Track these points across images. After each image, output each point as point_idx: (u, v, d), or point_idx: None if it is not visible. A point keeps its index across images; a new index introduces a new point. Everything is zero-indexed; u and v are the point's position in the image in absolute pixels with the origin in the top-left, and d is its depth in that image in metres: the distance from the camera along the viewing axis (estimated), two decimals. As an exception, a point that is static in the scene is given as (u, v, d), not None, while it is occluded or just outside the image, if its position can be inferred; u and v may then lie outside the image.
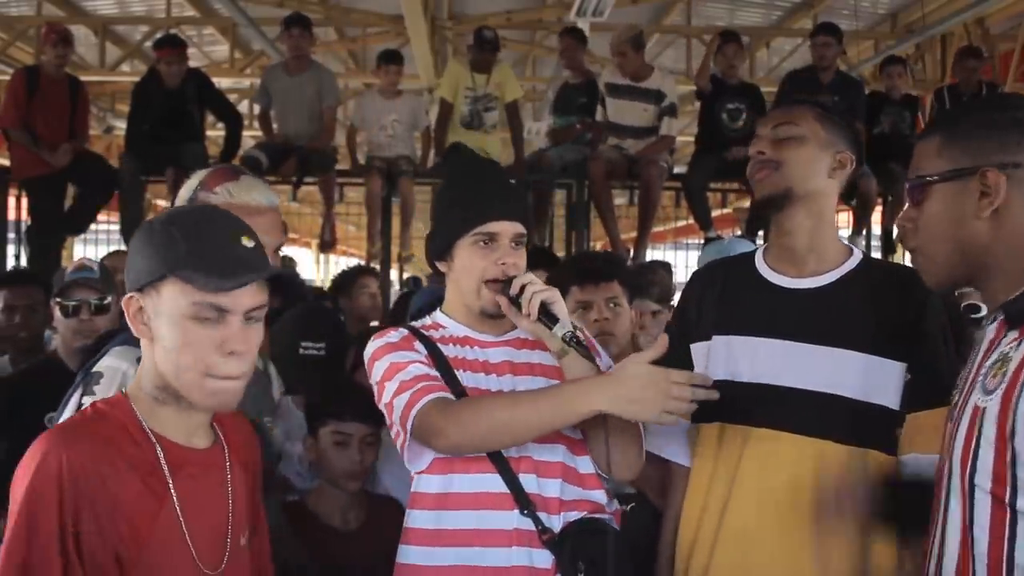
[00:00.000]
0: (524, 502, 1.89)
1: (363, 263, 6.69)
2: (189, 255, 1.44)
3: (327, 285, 6.75)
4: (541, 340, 1.93)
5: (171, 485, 1.47)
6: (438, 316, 2.09)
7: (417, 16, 7.64)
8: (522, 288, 1.89)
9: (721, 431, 2.04)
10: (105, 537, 1.41)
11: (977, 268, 1.51)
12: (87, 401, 1.76)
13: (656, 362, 1.81)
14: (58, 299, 3.03)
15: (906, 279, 2.00)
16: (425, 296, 5.23)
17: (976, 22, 9.19)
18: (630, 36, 6.39)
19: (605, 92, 6.43)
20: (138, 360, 1.68)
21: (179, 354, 1.45)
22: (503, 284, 1.93)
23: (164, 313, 1.45)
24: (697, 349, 2.11)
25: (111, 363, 1.84)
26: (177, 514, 1.47)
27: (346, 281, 4.98)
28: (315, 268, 16.01)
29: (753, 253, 2.15)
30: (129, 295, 1.48)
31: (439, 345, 2.00)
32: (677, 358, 2.04)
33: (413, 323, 2.12)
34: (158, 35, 8.47)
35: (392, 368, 1.94)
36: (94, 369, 1.85)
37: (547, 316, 1.87)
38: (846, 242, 2.12)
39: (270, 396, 2.31)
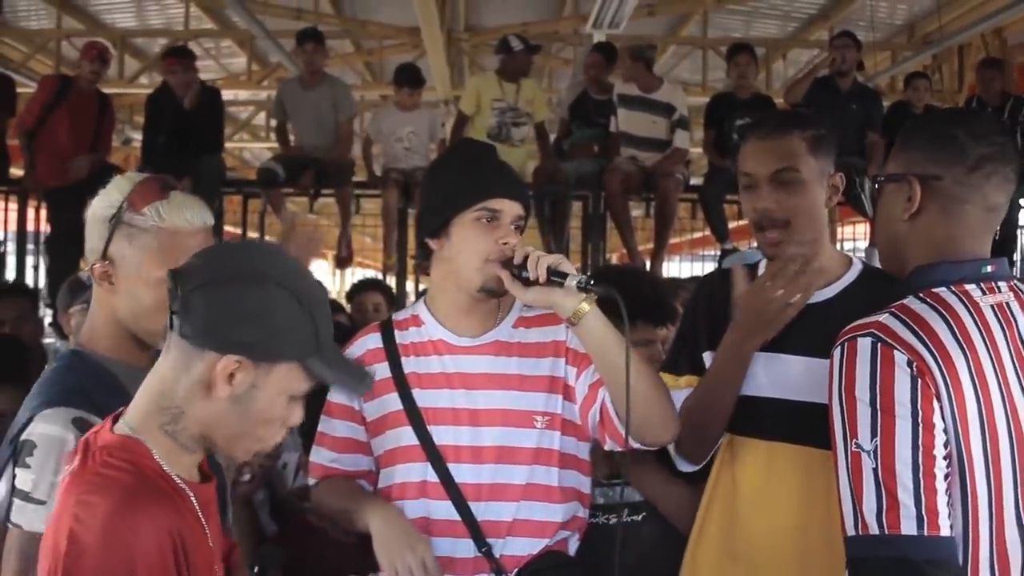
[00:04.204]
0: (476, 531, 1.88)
1: (377, 275, 6.72)
2: (323, 349, 1.39)
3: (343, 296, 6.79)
4: (551, 309, 1.85)
5: (207, 529, 1.42)
6: (419, 308, 2.03)
7: (433, 28, 7.67)
8: (526, 257, 1.81)
9: (729, 443, 2.03)
10: None
11: (901, 264, 1.67)
12: (20, 474, 1.58)
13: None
14: None
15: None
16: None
17: (994, 33, 9.16)
18: (629, 46, 6.43)
19: (617, 103, 6.44)
20: (73, 421, 1.59)
21: (263, 426, 1.40)
22: (505, 260, 1.85)
23: (268, 388, 1.37)
24: (705, 358, 2.08)
25: (44, 430, 1.60)
26: (215, 556, 1.44)
27: (352, 294, 5.17)
28: (331, 280, 16.04)
29: (756, 266, 2.12)
30: (235, 359, 1.34)
31: (402, 358, 1.97)
32: (690, 365, 2.07)
33: (396, 315, 2.09)
34: (176, 48, 8.53)
35: (327, 409, 2.02)
36: (24, 437, 1.61)
37: (557, 276, 1.79)
38: (857, 253, 2.10)
39: None
